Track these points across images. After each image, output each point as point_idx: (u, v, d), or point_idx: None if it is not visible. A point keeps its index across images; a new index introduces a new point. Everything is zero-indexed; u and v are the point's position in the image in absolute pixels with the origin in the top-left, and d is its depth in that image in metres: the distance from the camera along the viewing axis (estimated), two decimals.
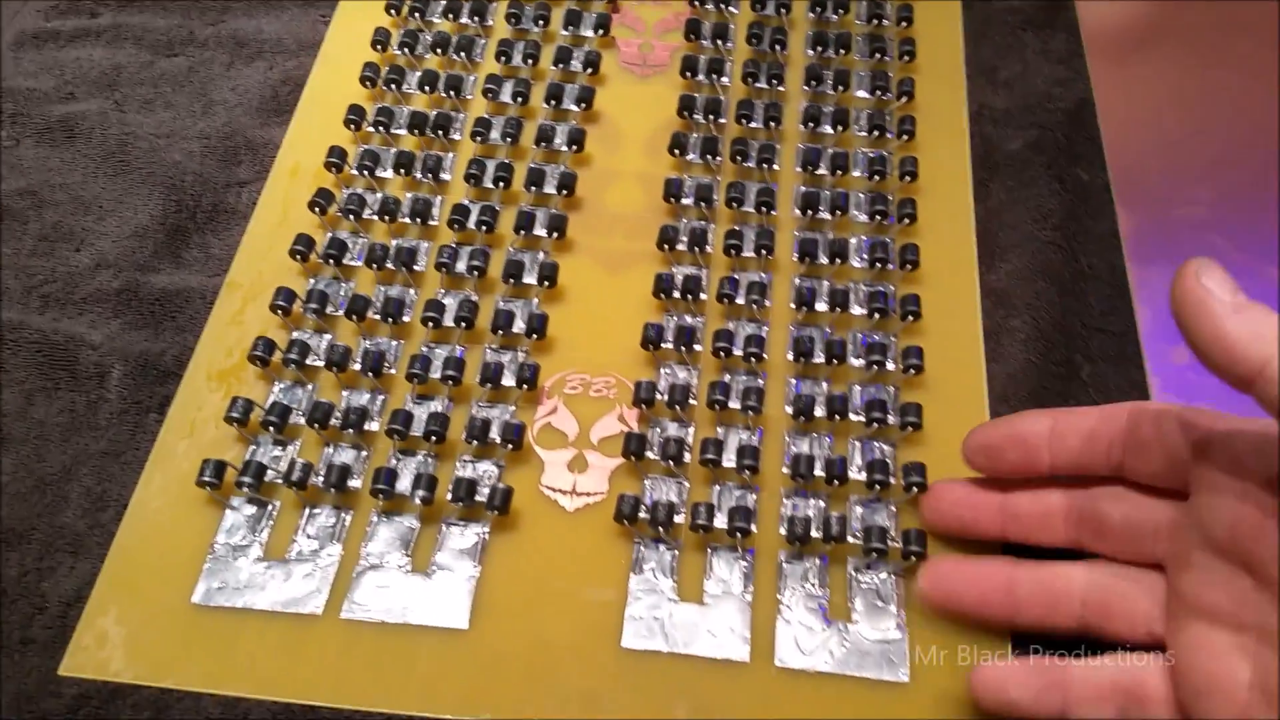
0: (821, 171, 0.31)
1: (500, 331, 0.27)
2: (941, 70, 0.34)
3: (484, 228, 0.29)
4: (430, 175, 0.31)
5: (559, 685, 0.23)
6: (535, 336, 0.27)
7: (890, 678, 0.23)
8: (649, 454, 0.26)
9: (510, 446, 0.26)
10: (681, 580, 0.24)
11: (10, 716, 0.23)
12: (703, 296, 0.28)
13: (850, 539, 0.24)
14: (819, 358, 0.27)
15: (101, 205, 0.31)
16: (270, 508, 0.25)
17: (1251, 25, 0.36)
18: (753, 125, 0.32)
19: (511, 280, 0.28)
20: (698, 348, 0.28)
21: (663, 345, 0.27)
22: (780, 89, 0.33)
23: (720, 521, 0.24)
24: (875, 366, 0.27)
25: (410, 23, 0.34)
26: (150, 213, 0.31)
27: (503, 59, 0.33)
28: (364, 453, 0.26)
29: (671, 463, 0.25)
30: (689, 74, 0.33)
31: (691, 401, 0.26)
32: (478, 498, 0.25)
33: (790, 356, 0.27)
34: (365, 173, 0.31)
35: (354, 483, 0.26)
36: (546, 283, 0.28)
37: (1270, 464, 0.19)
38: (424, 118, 0.31)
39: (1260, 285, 0.30)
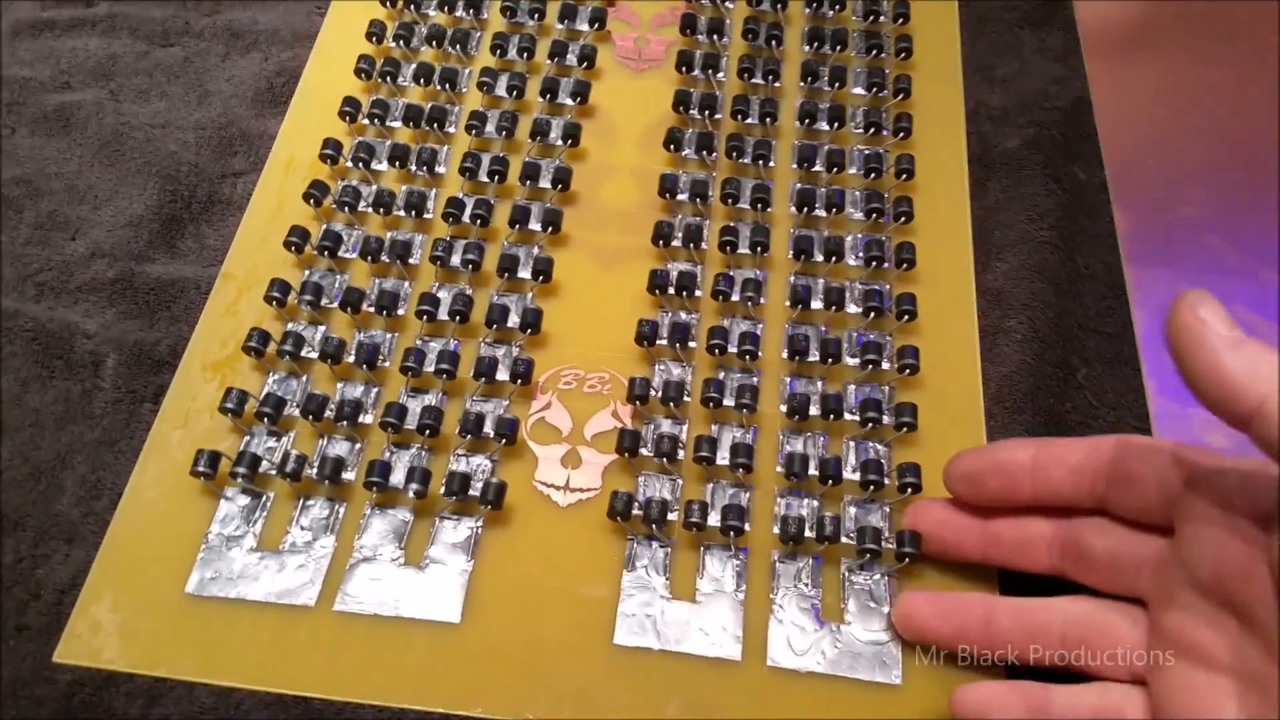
0: (817, 168, 0.31)
1: (494, 326, 0.27)
2: (938, 68, 0.34)
3: (479, 221, 0.29)
4: (425, 168, 0.31)
5: (550, 681, 0.23)
6: (529, 331, 0.27)
7: (883, 679, 0.23)
8: (643, 450, 0.26)
9: (504, 441, 0.26)
10: (674, 578, 0.24)
11: (5, 703, 0.23)
12: (698, 293, 0.28)
13: (844, 539, 0.24)
14: (814, 356, 0.27)
15: (97, 195, 0.31)
16: (264, 498, 0.26)
17: (1250, 25, 0.36)
18: (748, 121, 0.32)
19: (506, 274, 0.28)
20: (692, 344, 0.28)
21: (657, 342, 0.27)
22: (776, 85, 0.33)
23: (713, 519, 0.24)
24: (870, 366, 0.27)
25: (405, 15, 0.34)
26: (145, 203, 0.31)
27: (498, 52, 0.33)
28: (358, 445, 0.26)
29: (665, 460, 0.25)
30: (684, 69, 0.33)
31: (685, 398, 0.26)
32: (471, 492, 0.25)
33: (785, 354, 0.27)
34: (360, 165, 0.30)
35: (348, 475, 0.26)
36: (541, 277, 0.28)
37: (1259, 503, 0.19)
38: (419, 110, 0.31)
39: (1258, 288, 0.30)
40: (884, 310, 0.28)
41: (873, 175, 0.30)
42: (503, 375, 0.27)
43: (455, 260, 0.29)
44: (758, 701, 0.23)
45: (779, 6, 0.34)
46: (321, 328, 0.28)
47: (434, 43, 0.33)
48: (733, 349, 0.27)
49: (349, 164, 0.31)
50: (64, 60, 0.34)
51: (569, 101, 0.32)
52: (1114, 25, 0.36)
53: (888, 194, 0.30)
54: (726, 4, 0.35)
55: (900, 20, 0.34)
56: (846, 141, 0.32)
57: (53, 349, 0.28)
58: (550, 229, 0.29)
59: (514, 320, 0.28)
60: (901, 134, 0.31)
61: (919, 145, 0.31)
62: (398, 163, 0.31)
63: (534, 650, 0.23)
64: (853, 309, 0.28)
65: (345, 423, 0.26)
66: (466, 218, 0.29)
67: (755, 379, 0.27)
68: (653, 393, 0.26)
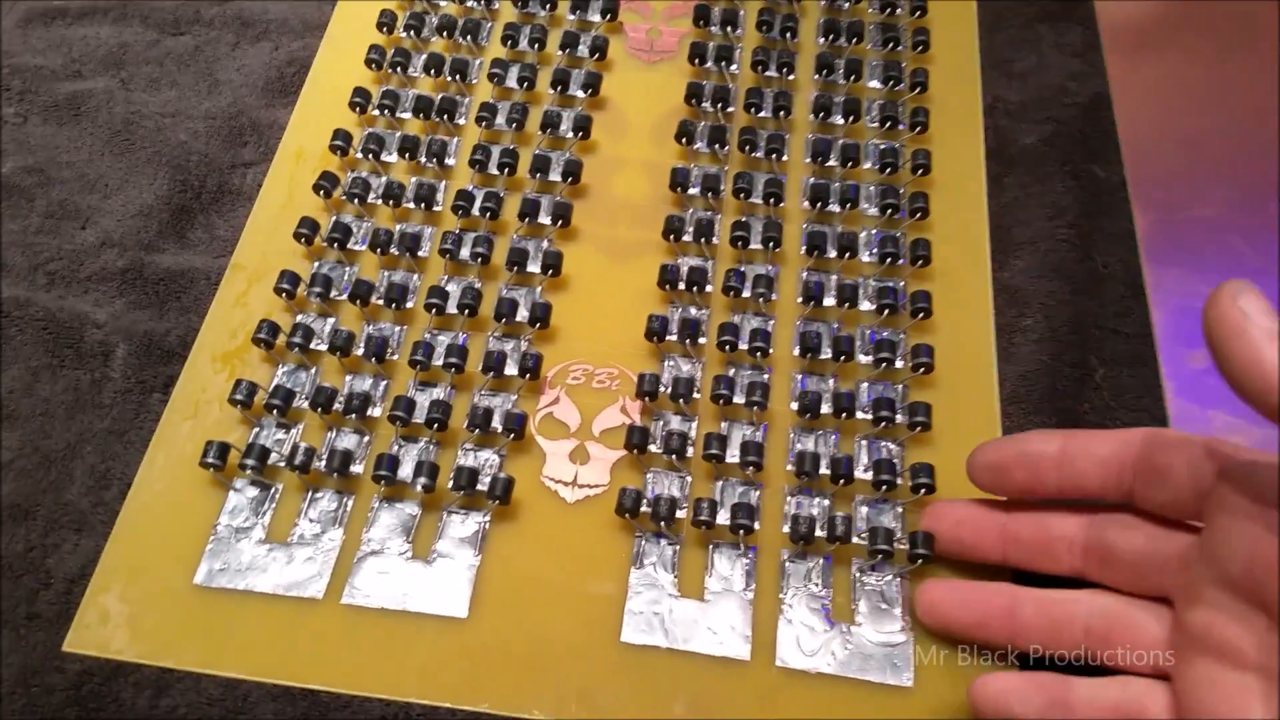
0: (831, 163, 0.30)
1: (503, 319, 0.27)
2: (956, 62, 0.33)
3: (488, 214, 0.29)
4: (435, 160, 0.30)
5: (557, 678, 0.23)
6: (538, 325, 0.27)
7: (894, 682, 0.23)
8: (651, 447, 0.26)
9: (512, 436, 0.26)
10: (682, 576, 0.24)
11: (16, 690, 0.23)
12: (708, 289, 0.28)
13: (855, 540, 0.24)
14: (826, 354, 0.27)
15: (107, 184, 0.31)
16: (273, 490, 0.25)
17: (1273, 21, 0.35)
18: (761, 114, 0.31)
19: (515, 268, 0.28)
20: (702, 340, 0.27)
21: (667, 337, 0.27)
22: (790, 78, 0.32)
23: (723, 518, 0.24)
24: (883, 364, 0.26)
25: (416, 5, 0.34)
26: (156, 192, 0.31)
27: (509, 43, 0.33)
28: (366, 438, 0.26)
29: (674, 457, 0.25)
30: (697, 61, 0.32)
31: (695, 395, 0.26)
32: (479, 487, 0.25)
33: (796, 352, 0.27)
34: (370, 156, 0.30)
35: (356, 468, 0.26)
36: (550, 271, 0.28)
37: None
38: (429, 102, 0.31)
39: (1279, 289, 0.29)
40: (898, 307, 0.27)
41: (888, 170, 0.30)
42: (511, 369, 0.27)
43: (464, 253, 0.29)
44: (766, 702, 0.23)
45: None
46: (331, 320, 0.28)
47: (445, 33, 0.33)
48: (743, 345, 0.27)
49: (359, 155, 0.31)
50: (75, 49, 0.34)
51: (580, 93, 0.32)
52: (1134, 20, 0.35)
53: (903, 189, 0.30)
54: None
55: (917, 13, 0.34)
56: (862, 136, 0.31)
57: (63, 338, 0.28)
58: (560, 222, 0.29)
59: (523, 314, 0.28)
60: (918, 129, 0.31)
61: (935, 140, 0.31)
62: (407, 154, 0.30)
63: (541, 646, 0.23)
64: (866, 306, 0.28)
65: (354, 416, 0.26)
66: (476, 210, 0.29)
67: (766, 376, 0.27)
68: (662, 389, 0.26)
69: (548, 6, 0.34)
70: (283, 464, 0.25)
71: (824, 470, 0.25)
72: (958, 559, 0.24)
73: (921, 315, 0.27)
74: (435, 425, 0.26)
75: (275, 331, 0.27)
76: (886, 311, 0.27)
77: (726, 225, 0.29)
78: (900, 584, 0.24)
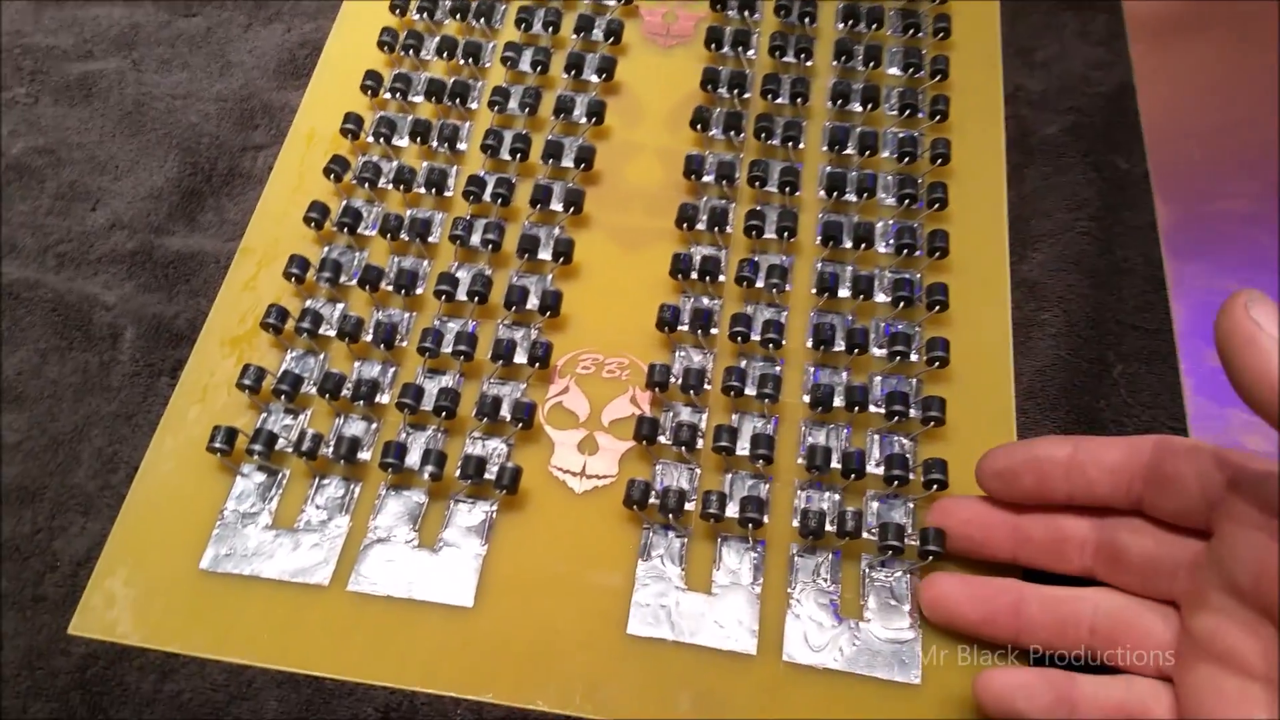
0: (849, 151, 0.30)
1: (513, 307, 0.27)
2: (977, 49, 0.33)
3: (499, 200, 0.29)
4: (446, 145, 0.30)
5: (562, 669, 0.23)
6: (549, 314, 0.27)
7: (902, 679, 0.22)
8: (661, 439, 0.25)
9: (520, 425, 0.25)
10: (690, 569, 0.24)
11: (21, 672, 0.23)
12: (721, 278, 0.28)
13: (865, 535, 0.24)
14: (839, 346, 0.26)
15: (118, 165, 0.31)
16: (280, 476, 0.25)
17: None
18: (778, 101, 0.31)
19: (526, 255, 0.28)
20: (714, 331, 0.27)
21: (678, 327, 0.27)
22: (808, 64, 0.32)
23: (731, 511, 0.24)
24: (898, 357, 0.26)
25: None
26: (166, 174, 0.31)
27: (522, 26, 0.32)
28: (374, 425, 0.26)
29: (683, 448, 0.25)
30: (714, 46, 0.32)
31: (706, 386, 0.26)
32: (486, 475, 0.25)
33: (809, 344, 0.27)
34: (381, 140, 0.30)
35: (363, 455, 0.25)
36: (561, 259, 0.28)
37: None
38: (441, 85, 0.31)
39: None
40: (914, 300, 0.27)
41: (906, 160, 0.29)
42: (521, 358, 0.27)
43: (475, 240, 0.28)
44: (772, 697, 0.22)
45: None
46: (340, 305, 0.28)
47: (458, 15, 0.33)
48: (756, 337, 0.26)
49: (370, 139, 0.30)
50: (87, 29, 0.34)
51: (594, 78, 0.31)
52: (1160, 8, 0.35)
53: (921, 179, 0.29)
54: None
55: None
56: (880, 124, 0.31)
57: (72, 320, 0.28)
58: (572, 209, 0.29)
59: (533, 302, 0.27)
60: (938, 117, 0.30)
61: (955, 129, 0.30)
62: (419, 138, 0.30)
63: (546, 637, 0.23)
64: (881, 298, 0.27)
65: (362, 402, 0.26)
66: (487, 196, 0.29)
67: (778, 368, 0.26)
68: (672, 380, 0.26)
69: None
70: (290, 450, 0.25)
71: (835, 464, 0.25)
72: (967, 556, 0.23)
73: (938, 308, 0.27)
74: (443, 413, 0.25)
75: (284, 316, 0.27)
76: (902, 304, 0.27)
77: (741, 214, 0.29)
78: (910, 580, 0.24)
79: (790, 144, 0.30)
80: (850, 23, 0.32)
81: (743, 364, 0.26)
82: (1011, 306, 0.28)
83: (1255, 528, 0.19)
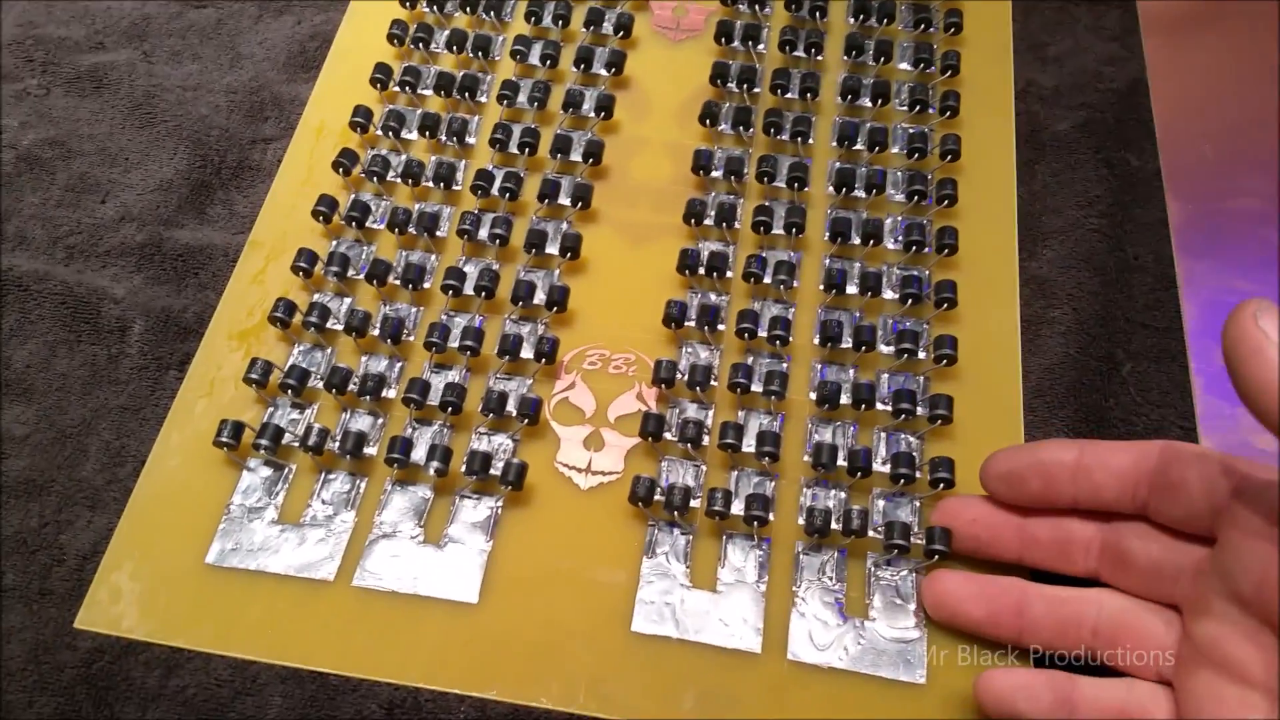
0: (858, 147, 0.30)
1: (520, 302, 0.27)
2: (988, 44, 0.32)
3: (507, 195, 0.29)
4: (455, 139, 0.30)
5: (566, 666, 0.23)
6: (555, 309, 0.27)
7: (906, 678, 0.22)
8: (667, 435, 0.25)
9: (526, 421, 0.25)
10: (695, 566, 0.24)
11: (27, 666, 0.23)
12: (728, 274, 0.28)
13: (871, 533, 0.24)
14: (847, 343, 0.26)
15: (128, 157, 0.31)
16: (286, 471, 0.25)
17: None
18: (788, 96, 0.31)
19: (534, 250, 0.28)
20: (721, 327, 0.27)
21: (685, 323, 0.27)
22: (818, 59, 0.32)
23: (737, 508, 0.24)
24: (905, 355, 0.26)
25: None
26: (176, 167, 0.31)
27: (532, 19, 0.32)
28: (380, 420, 0.26)
29: (689, 445, 0.25)
30: (724, 40, 0.32)
31: (712, 383, 0.26)
32: (492, 471, 0.25)
33: (817, 340, 0.27)
34: (390, 134, 0.30)
35: (370, 450, 0.25)
36: (569, 254, 0.28)
37: None
38: (450, 78, 0.31)
39: None
40: (922, 297, 0.27)
41: (916, 155, 0.29)
42: (527, 353, 0.27)
43: (483, 234, 0.28)
44: (776, 696, 0.22)
45: None
46: (347, 300, 0.28)
47: (468, 9, 0.33)
48: (763, 333, 0.26)
49: (379, 132, 0.30)
50: (99, 20, 0.34)
51: (603, 72, 0.31)
52: (1174, 4, 0.34)
53: (931, 175, 0.29)
54: None
55: None
56: (890, 119, 0.31)
57: (80, 313, 0.28)
58: (580, 204, 0.29)
59: (540, 297, 0.27)
60: (948, 113, 0.30)
61: (966, 125, 0.30)
62: (428, 132, 0.30)
63: (551, 634, 0.23)
64: (889, 295, 0.27)
65: (368, 397, 0.26)
66: (495, 191, 0.29)
67: (785, 365, 0.26)
68: (679, 376, 0.26)
69: None
70: (296, 444, 0.25)
71: (841, 462, 0.24)
72: (973, 556, 0.23)
73: (946, 305, 0.26)
74: (450, 408, 0.25)
75: (292, 310, 0.27)
76: (910, 301, 0.27)
77: (749, 210, 0.29)
78: (916, 579, 0.23)
79: (799, 139, 0.29)
80: (861, 18, 0.32)
81: (749, 360, 0.26)
82: (1020, 304, 0.28)
83: (1259, 536, 0.19)
